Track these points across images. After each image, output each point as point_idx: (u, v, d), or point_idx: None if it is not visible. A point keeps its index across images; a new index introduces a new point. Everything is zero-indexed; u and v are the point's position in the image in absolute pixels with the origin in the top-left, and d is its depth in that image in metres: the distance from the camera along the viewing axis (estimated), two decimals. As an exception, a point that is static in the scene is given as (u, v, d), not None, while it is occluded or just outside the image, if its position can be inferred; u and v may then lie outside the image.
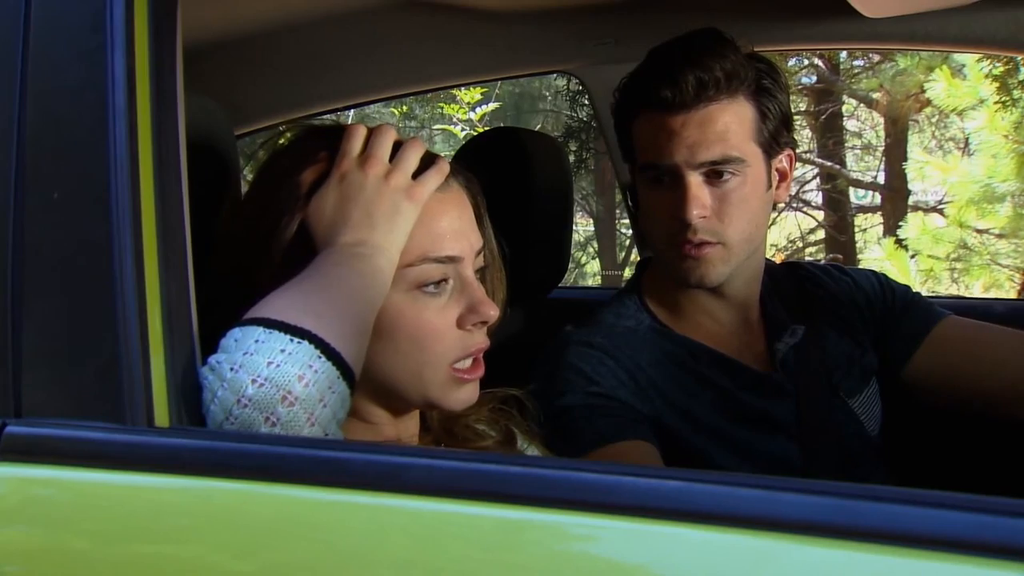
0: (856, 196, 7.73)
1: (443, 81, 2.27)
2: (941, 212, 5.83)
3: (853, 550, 0.65)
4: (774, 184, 1.36)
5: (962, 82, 4.59)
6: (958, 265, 5.25)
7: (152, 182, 0.84)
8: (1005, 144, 4.41)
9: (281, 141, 1.08)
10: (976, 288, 5.20)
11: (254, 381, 0.79)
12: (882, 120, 7.24)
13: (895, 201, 6.78)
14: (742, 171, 1.29)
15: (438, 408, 1.03)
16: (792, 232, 7.94)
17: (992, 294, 5.11)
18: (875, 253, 5.45)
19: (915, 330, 1.46)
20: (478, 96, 5.07)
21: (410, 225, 0.96)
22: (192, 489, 0.80)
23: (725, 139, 1.27)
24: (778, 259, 1.78)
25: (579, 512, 0.71)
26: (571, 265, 5.94)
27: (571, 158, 5.79)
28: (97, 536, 0.81)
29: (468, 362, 1.00)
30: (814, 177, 7.65)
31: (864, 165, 8.40)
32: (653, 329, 1.39)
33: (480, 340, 1.01)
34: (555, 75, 5.48)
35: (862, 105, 7.47)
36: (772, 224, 5.57)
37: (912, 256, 5.10)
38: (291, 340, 0.81)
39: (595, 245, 8.55)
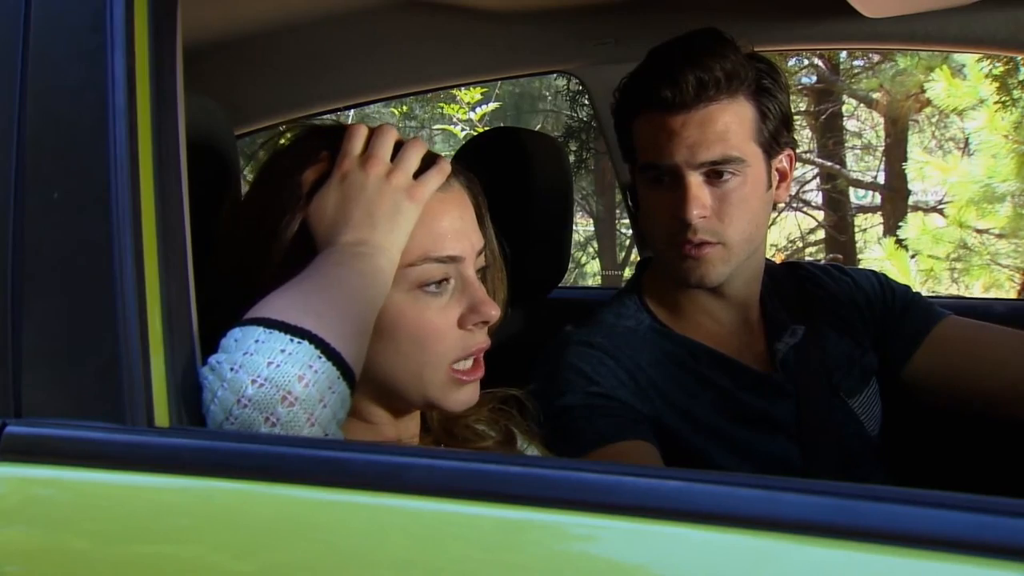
0: (856, 196, 7.73)
1: (443, 81, 2.27)
2: (941, 212, 5.83)
3: (853, 550, 0.65)
4: (774, 184, 1.36)
5: (962, 82, 4.59)
6: (958, 265, 5.25)
7: (152, 182, 0.84)
8: (1005, 144, 4.41)
9: (282, 141, 1.08)
10: (976, 288, 5.20)
11: (254, 381, 0.79)
12: (882, 120, 7.24)
13: (895, 201, 6.78)
14: (742, 171, 1.29)
15: (438, 409, 1.03)
16: (792, 232, 7.94)
17: (992, 294, 5.11)
18: (875, 253, 5.44)
19: (915, 330, 1.46)
20: (478, 96, 5.07)
21: (411, 225, 0.96)
22: (192, 489, 0.80)
23: (725, 139, 1.27)
24: (778, 259, 1.78)
25: (579, 512, 0.71)
26: (571, 265, 5.95)
27: (571, 158, 5.79)
28: (97, 536, 0.81)
29: (468, 363, 1.00)
30: (814, 177, 7.65)
31: (864, 165, 8.40)
32: (653, 329, 1.39)
33: (481, 340, 1.01)
34: (555, 75, 5.48)
35: (862, 105, 7.47)
36: (772, 224, 5.56)
37: (912, 256, 5.10)
38: (291, 340, 0.81)
39: (595, 245, 8.55)
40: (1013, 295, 5.10)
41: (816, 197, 7.91)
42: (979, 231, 5.05)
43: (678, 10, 1.59)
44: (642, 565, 0.70)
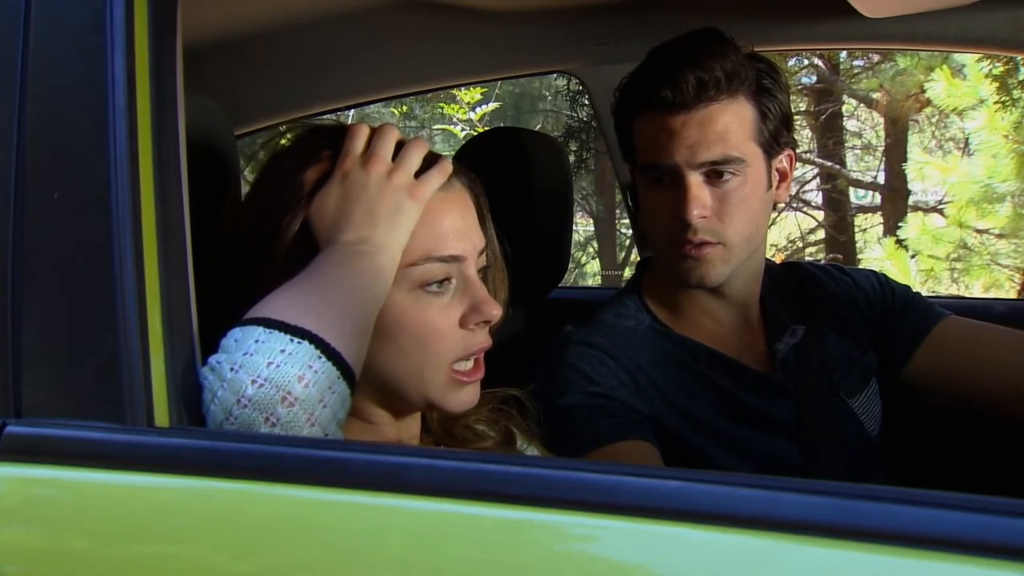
0: (856, 196, 7.73)
1: (443, 81, 2.28)
2: (941, 212, 5.83)
3: (853, 550, 0.65)
4: (774, 184, 1.36)
5: (962, 82, 4.59)
6: (958, 265, 5.25)
7: (152, 182, 0.84)
8: (1005, 144, 4.41)
9: (282, 141, 1.08)
10: (976, 288, 5.20)
11: (254, 381, 0.79)
12: (882, 120, 7.24)
13: (895, 201, 6.78)
14: (742, 171, 1.29)
15: (438, 410, 1.03)
16: (792, 232, 7.94)
17: (992, 294, 5.11)
18: (875, 253, 5.44)
19: (915, 330, 1.46)
20: (478, 96, 5.07)
21: (412, 224, 0.96)
22: (192, 489, 0.80)
23: (725, 139, 1.27)
24: (778, 259, 1.78)
25: (579, 512, 0.71)
26: (571, 265, 5.95)
27: (571, 158, 5.79)
28: (97, 536, 0.81)
29: (469, 364, 1.00)
30: (814, 177, 7.65)
31: (864, 165, 8.40)
32: (653, 329, 1.39)
33: (482, 339, 1.01)
34: (555, 75, 5.48)
35: (862, 105, 7.47)
36: (772, 224, 5.56)
37: (912, 256, 5.10)
38: (291, 340, 0.81)
39: (595, 245, 8.55)
40: (1013, 295, 5.11)
41: (816, 197, 7.91)
42: (979, 231, 5.05)
43: (678, 10, 1.59)
44: (642, 565, 0.70)
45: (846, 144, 7.82)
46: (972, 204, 4.75)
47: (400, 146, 1.00)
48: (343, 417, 0.84)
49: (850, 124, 8.14)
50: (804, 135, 7.27)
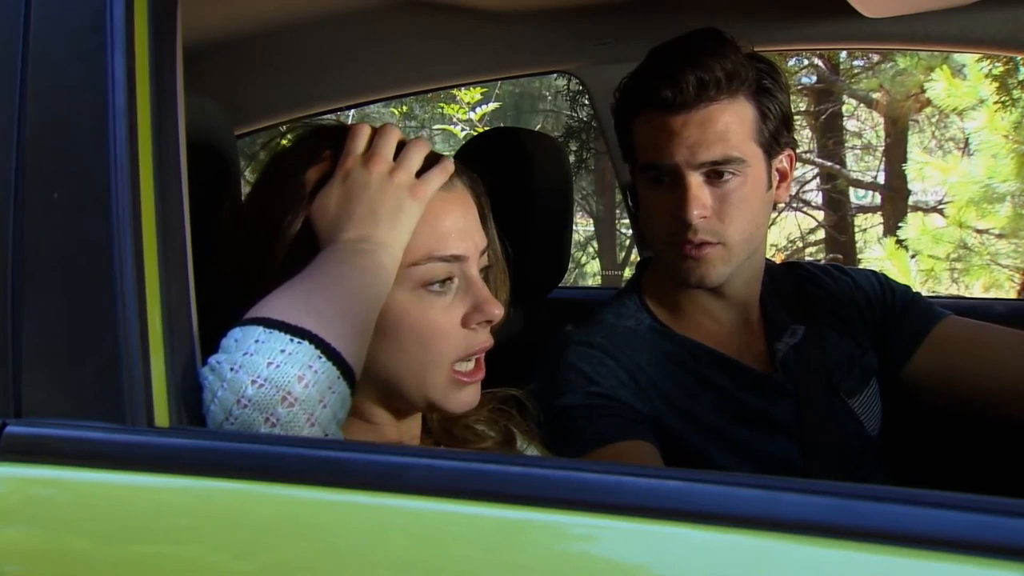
0: (856, 196, 7.73)
1: (443, 81, 2.27)
2: (941, 212, 5.83)
3: (853, 550, 0.65)
4: (774, 184, 1.36)
5: (962, 82, 4.59)
6: (958, 265, 5.25)
7: (152, 182, 0.84)
8: (1005, 144, 4.41)
9: (283, 141, 1.08)
10: (976, 288, 5.20)
11: (254, 382, 0.79)
12: (882, 120, 7.24)
13: (895, 201, 6.78)
14: (742, 171, 1.29)
15: (439, 410, 1.03)
16: (792, 232, 7.94)
17: (992, 294, 5.11)
18: (875, 253, 5.44)
19: (915, 330, 1.46)
20: (478, 96, 5.07)
21: (413, 223, 0.96)
22: (192, 489, 0.80)
23: (725, 139, 1.27)
24: (778, 259, 1.78)
25: (579, 512, 0.71)
26: (571, 265, 5.95)
27: (571, 158, 5.79)
28: (97, 536, 0.81)
29: (470, 364, 1.00)
30: (814, 177, 7.65)
31: (864, 165, 8.40)
32: (653, 329, 1.39)
33: (484, 339, 1.01)
34: (555, 75, 5.48)
35: (862, 105, 7.47)
36: (772, 224, 5.56)
37: (912, 256, 5.10)
38: (291, 340, 0.81)
39: (595, 245, 8.55)
40: (1013, 295, 5.10)
41: (816, 197, 7.91)
42: (979, 231, 5.05)
43: (678, 10, 1.59)
44: (642, 565, 0.70)
45: (846, 144, 7.83)
46: (972, 204, 4.75)
47: (402, 146, 1.00)
48: (343, 417, 0.84)
49: (850, 124, 8.15)
50: (804, 135, 7.27)
